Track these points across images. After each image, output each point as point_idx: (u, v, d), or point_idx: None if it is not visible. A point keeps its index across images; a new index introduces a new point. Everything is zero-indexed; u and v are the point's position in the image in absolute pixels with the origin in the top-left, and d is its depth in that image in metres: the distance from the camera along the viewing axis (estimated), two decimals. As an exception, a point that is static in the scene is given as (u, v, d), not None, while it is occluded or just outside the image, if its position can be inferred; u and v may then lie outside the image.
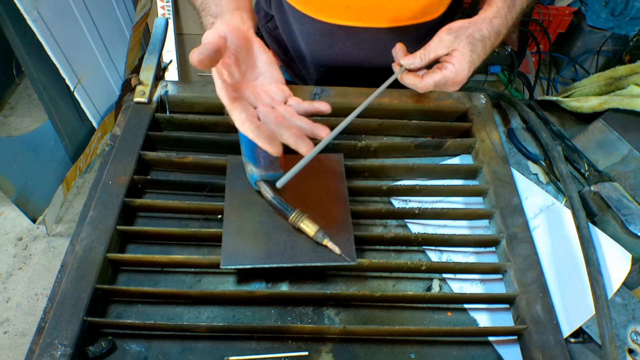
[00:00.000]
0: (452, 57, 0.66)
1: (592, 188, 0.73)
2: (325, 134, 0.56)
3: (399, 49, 0.72)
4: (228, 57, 0.55)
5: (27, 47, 1.43)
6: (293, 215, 0.63)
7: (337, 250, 0.62)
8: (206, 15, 0.65)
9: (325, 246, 0.62)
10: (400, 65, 0.70)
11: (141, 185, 0.72)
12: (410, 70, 0.70)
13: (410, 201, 0.74)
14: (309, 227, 0.62)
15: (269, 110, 0.57)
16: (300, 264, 0.62)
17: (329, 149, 0.76)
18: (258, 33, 1.03)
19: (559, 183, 0.77)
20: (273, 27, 0.97)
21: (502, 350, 0.61)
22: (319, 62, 0.92)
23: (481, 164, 0.75)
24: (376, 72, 0.84)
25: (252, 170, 0.65)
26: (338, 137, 0.80)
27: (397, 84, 0.72)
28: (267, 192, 0.65)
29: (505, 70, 1.65)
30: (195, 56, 0.49)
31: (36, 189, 1.73)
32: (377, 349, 0.60)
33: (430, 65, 0.70)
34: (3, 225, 1.88)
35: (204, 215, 0.70)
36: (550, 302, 0.61)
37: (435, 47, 0.67)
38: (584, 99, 0.86)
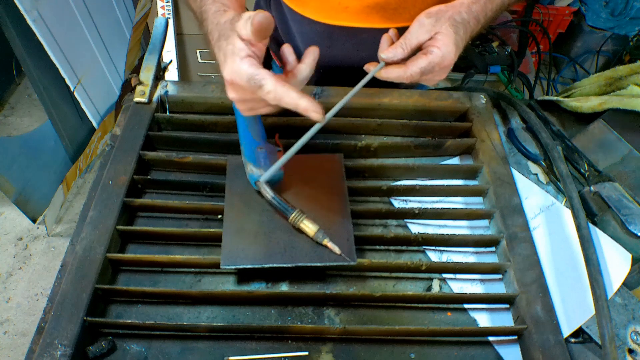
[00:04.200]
0: (437, 41, 0.60)
1: (592, 188, 0.73)
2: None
3: (383, 42, 0.64)
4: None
5: (27, 47, 1.43)
6: (293, 215, 0.63)
7: (337, 250, 0.62)
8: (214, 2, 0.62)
9: (325, 246, 0.62)
10: (379, 62, 0.64)
11: (141, 185, 0.72)
12: (392, 63, 0.63)
13: (410, 201, 0.74)
14: (309, 227, 0.62)
15: None
16: (300, 264, 0.62)
17: (328, 149, 0.76)
18: None
19: (559, 183, 0.77)
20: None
21: (502, 350, 0.61)
22: (318, 63, 0.92)
23: (481, 164, 0.75)
24: None
25: (252, 170, 0.65)
26: (338, 137, 0.81)
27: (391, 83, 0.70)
28: (267, 192, 0.65)
29: (505, 70, 1.65)
30: (259, 18, 0.49)
31: (36, 189, 1.73)
32: (377, 349, 0.60)
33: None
34: (3, 225, 1.88)
35: (204, 215, 0.70)
36: (550, 302, 0.61)
37: (416, 32, 0.61)
38: (584, 99, 0.86)
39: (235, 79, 0.53)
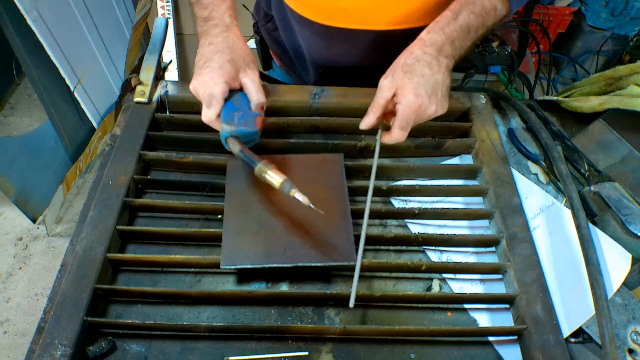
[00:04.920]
0: (397, 96, 0.66)
1: (592, 188, 0.73)
2: None
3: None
4: None
5: (27, 47, 1.42)
6: (258, 166, 0.61)
7: (306, 201, 0.59)
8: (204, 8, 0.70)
9: (293, 197, 0.60)
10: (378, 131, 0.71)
11: (141, 185, 0.72)
12: (385, 130, 0.70)
13: (410, 201, 0.74)
14: (275, 179, 0.61)
15: None
16: (300, 264, 0.62)
17: (328, 149, 0.76)
18: (258, 33, 1.04)
19: (559, 183, 0.77)
20: (273, 27, 0.97)
21: (502, 350, 0.61)
22: (318, 63, 0.92)
23: (481, 164, 0.75)
24: (374, 74, 0.84)
25: (223, 128, 0.64)
26: (338, 137, 0.81)
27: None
28: (235, 147, 0.63)
29: (505, 70, 1.64)
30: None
31: (36, 189, 1.73)
32: (377, 349, 0.60)
33: None
34: (3, 225, 1.88)
35: (204, 215, 0.70)
36: (550, 302, 0.61)
37: (379, 94, 0.67)
38: (584, 99, 0.86)
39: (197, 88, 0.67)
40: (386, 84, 0.66)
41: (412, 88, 0.64)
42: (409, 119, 0.65)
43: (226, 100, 0.67)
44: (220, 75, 0.65)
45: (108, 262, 0.62)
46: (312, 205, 0.60)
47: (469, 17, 0.68)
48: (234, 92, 0.69)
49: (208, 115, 0.66)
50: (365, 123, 0.68)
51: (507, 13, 0.71)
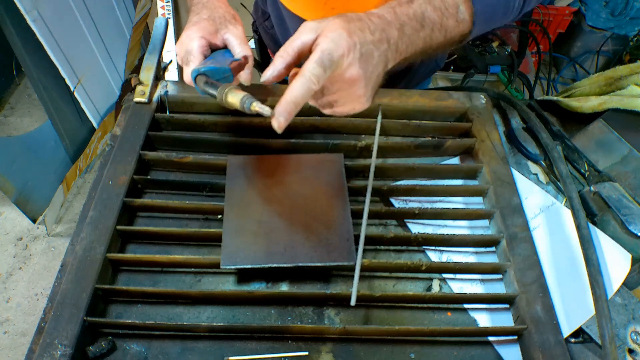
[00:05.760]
0: (322, 34, 0.50)
1: (592, 188, 0.73)
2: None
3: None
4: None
5: (27, 47, 1.43)
6: (219, 90, 0.57)
7: (267, 111, 0.53)
8: None
9: (255, 111, 0.54)
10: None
11: (141, 185, 0.72)
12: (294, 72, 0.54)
13: (410, 201, 0.74)
14: (235, 98, 0.56)
15: None
16: (300, 264, 0.62)
17: (328, 149, 0.76)
18: (256, 32, 1.04)
19: (559, 183, 0.77)
20: (270, 25, 0.98)
21: (502, 350, 0.61)
22: None
23: (481, 164, 0.75)
24: None
25: (194, 67, 0.62)
26: (338, 137, 0.81)
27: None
28: (200, 83, 0.60)
29: (505, 70, 1.65)
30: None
31: (36, 189, 1.73)
32: (377, 349, 0.60)
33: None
34: (3, 225, 1.88)
35: (204, 215, 0.70)
36: (550, 302, 0.61)
37: (298, 34, 0.52)
38: (584, 99, 0.86)
39: (179, 47, 0.67)
40: (310, 25, 0.52)
41: (344, 28, 0.49)
42: (332, 55, 0.48)
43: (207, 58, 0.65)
44: (194, 31, 0.64)
45: (108, 262, 0.62)
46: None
47: (425, 7, 0.56)
48: (218, 51, 0.68)
49: (187, 72, 0.64)
50: (269, 74, 0.52)
51: (470, 27, 0.59)
